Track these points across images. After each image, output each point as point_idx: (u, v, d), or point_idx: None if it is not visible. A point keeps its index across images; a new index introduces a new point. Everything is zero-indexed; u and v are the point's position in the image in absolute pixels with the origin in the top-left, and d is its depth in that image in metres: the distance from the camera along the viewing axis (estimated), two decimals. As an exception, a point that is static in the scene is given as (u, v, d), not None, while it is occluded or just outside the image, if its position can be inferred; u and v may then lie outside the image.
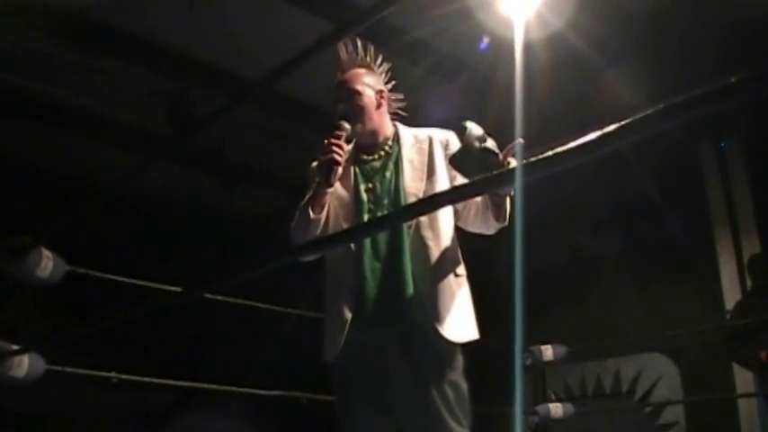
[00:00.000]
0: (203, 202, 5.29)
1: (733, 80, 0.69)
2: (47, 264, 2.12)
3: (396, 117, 1.80)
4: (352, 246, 1.61)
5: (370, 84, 1.72)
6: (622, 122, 0.77)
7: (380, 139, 1.73)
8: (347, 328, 1.58)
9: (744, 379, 3.89)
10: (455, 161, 1.47)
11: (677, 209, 4.46)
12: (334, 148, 1.58)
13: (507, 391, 2.16)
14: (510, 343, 1.98)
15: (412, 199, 1.63)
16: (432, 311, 1.56)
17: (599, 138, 0.79)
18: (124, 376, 2.39)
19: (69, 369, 2.26)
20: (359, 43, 1.75)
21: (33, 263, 2.10)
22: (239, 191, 5.21)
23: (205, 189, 5.15)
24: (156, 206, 5.05)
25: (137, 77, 4.23)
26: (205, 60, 4.18)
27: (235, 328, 4.15)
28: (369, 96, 1.71)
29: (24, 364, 2.05)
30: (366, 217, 1.64)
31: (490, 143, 1.44)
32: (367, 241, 1.61)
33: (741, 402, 3.99)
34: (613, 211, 4.88)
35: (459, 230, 1.73)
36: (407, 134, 1.75)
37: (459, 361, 1.60)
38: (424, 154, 1.70)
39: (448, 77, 4.30)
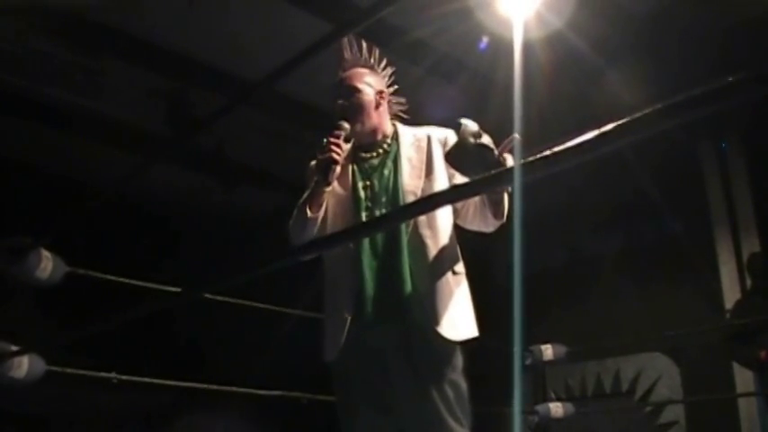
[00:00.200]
0: (203, 202, 5.29)
1: (731, 80, 0.69)
2: (46, 265, 2.12)
3: (396, 119, 1.81)
4: (351, 244, 1.61)
5: (370, 83, 1.73)
6: (620, 122, 0.77)
7: (379, 137, 1.74)
8: (347, 328, 1.58)
9: (744, 378, 3.89)
10: (450, 157, 1.48)
11: (677, 209, 4.46)
12: (333, 147, 1.59)
13: (507, 391, 2.16)
14: (510, 343, 1.98)
15: (410, 197, 1.63)
16: (430, 310, 1.56)
17: (597, 137, 0.79)
18: (124, 377, 2.39)
19: (69, 370, 2.26)
20: (363, 44, 1.76)
21: (33, 264, 2.10)
22: (239, 191, 5.21)
23: (205, 189, 5.16)
24: (156, 207, 5.05)
25: (136, 78, 4.24)
26: (205, 61, 4.18)
27: (235, 328, 4.15)
28: (368, 95, 1.71)
29: (24, 365, 2.05)
30: (364, 215, 1.64)
31: (485, 139, 1.45)
32: (365, 240, 1.62)
33: (741, 402, 3.99)
34: (613, 211, 4.88)
35: (459, 230, 1.73)
36: (406, 133, 1.76)
37: (459, 360, 1.60)
38: (422, 152, 1.70)
39: (447, 77, 4.30)
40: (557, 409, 3.47)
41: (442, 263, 1.62)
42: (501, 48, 3.50)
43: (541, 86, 3.53)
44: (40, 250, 2.12)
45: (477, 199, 1.63)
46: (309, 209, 1.61)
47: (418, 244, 1.60)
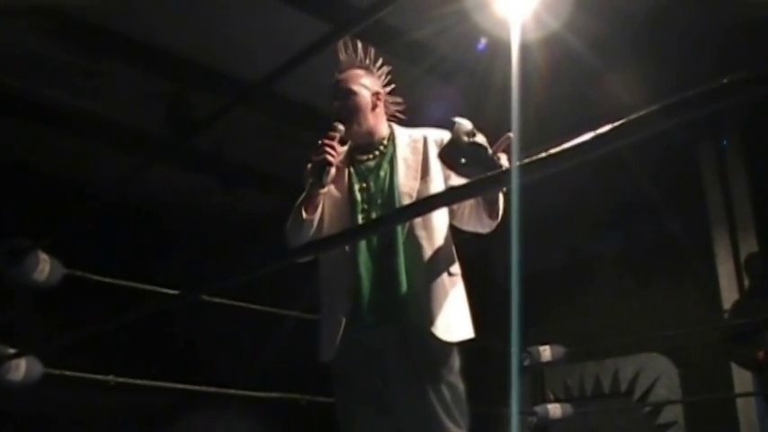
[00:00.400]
0: (202, 203, 5.29)
1: (727, 81, 0.70)
2: (44, 267, 2.12)
3: (393, 119, 1.81)
4: (347, 246, 1.61)
5: (366, 85, 1.73)
6: (616, 123, 0.77)
7: (375, 139, 1.74)
8: (342, 328, 1.58)
9: (742, 378, 3.89)
10: (444, 155, 1.47)
11: (676, 209, 4.47)
12: (327, 149, 1.59)
13: (506, 392, 2.16)
14: (508, 344, 1.98)
15: (406, 198, 1.63)
16: (425, 311, 1.56)
17: (593, 138, 0.79)
18: (122, 379, 2.39)
19: (67, 372, 2.26)
20: (359, 45, 1.76)
21: (31, 266, 2.10)
22: (238, 192, 5.21)
23: (204, 190, 5.15)
24: (154, 208, 5.05)
25: (135, 79, 4.23)
26: (203, 62, 4.18)
27: (234, 329, 4.15)
28: (364, 97, 1.71)
29: (22, 368, 2.05)
30: (360, 217, 1.64)
31: (479, 138, 1.44)
32: (361, 242, 1.61)
33: (740, 402, 3.99)
34: (612, 212, 4.89)
35: (458, 232, 1.73)
36: (403, 134, 1.76)
37: (456, 361, 1.60)
38: (418, 153, 1.70)
39: (445, 78, 4.30)
40: (555, 409, 3.47)
41: (438, 264, 1.62)
42: (499, 49, 3.50)
43: (539, 87, 3.53)
44: (38, 252, 2.12)
45: (472, 199, 1.63)
46: (305, 210, 1.61)
47: (414, 245, 1.60)
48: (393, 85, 1.81)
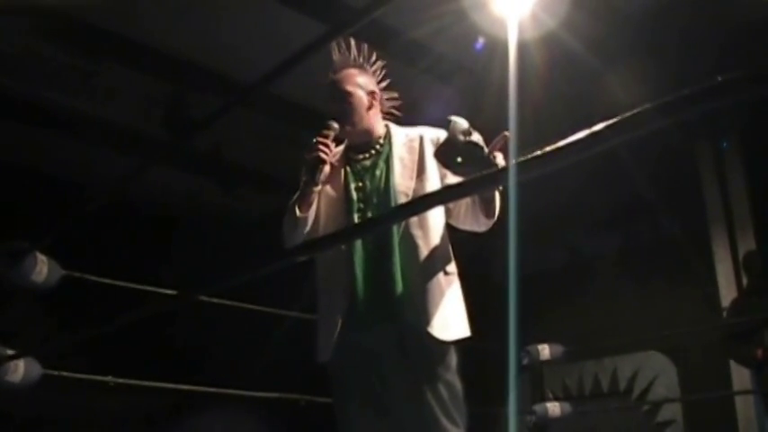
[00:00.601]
0: (201, 204, 5.28)
1: (722, 79, 0.70)
2: (42, 268, 2.12)
3: (389, 116, 1.80)
4: (342, 246, 1.61)
5: (361, 84, 1.73)
6: (611, 121, 0.77)
7: (371, 138, 1.74)
8: (339, 328, 1.58)
9: (741, 376, 3.90)
10: (440, 154, 1.48)
11: (674, 208, 4.48)
12: (321, 147, 1.59)
13: (505, 392, 2.16)
14: (507, 343, 1.98)
15: (402, 197, 1.63)
16: (421, 310, 1.56)
17: (589, 137, 0.79)
18: (121, 380, 2.38)
19: (66, 373, 2.26)
20: (352, 43, 1.76)
21: (29, 268, 2.10)
22: (237, 193, 5.21)
23: (203, 191, 5.15)
24: (153, 209, 5.04)
25: (133, 80, 4.23)
26: (202, 63, 4.18)
27: (232, 330, 4.14)
28: (360, 97, 1.71)
29: (20, 369, 2.05)
30: (356, 216, 1.65)
31: (475, 137, 1.44)
32: (357, 241, 1.61)
33: (738, 400, 3.99)
34: (611, 211, 4.89)
35: (455, 231, 1.73)
36: (399, 133, 1.76)
37: (453, 360, 1.60)
38: (414, 152, 1.70)
39: (443, 78, 4.30)
40: (554, 408, 3.47)
41: (434, 263, 1.61)
42: (496, 48, 3.51)
43: (537, 87, 3.54)
44: (36, 254, 2.12)
45: (468, 198, 1.63)
46: (299, 208, 1.61)
47: (410, 244, 1.60)
48: (388, 81, 1.80)
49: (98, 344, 2.70)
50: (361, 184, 1.68)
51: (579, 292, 4.94)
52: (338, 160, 1.70)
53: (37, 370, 2.11)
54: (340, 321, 1.58)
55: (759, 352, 3.27)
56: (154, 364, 3.08)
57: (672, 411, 4.43)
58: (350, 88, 1.71)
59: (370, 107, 1.73)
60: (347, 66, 1.75)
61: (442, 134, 1.73)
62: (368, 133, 1.73)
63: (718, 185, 4.43)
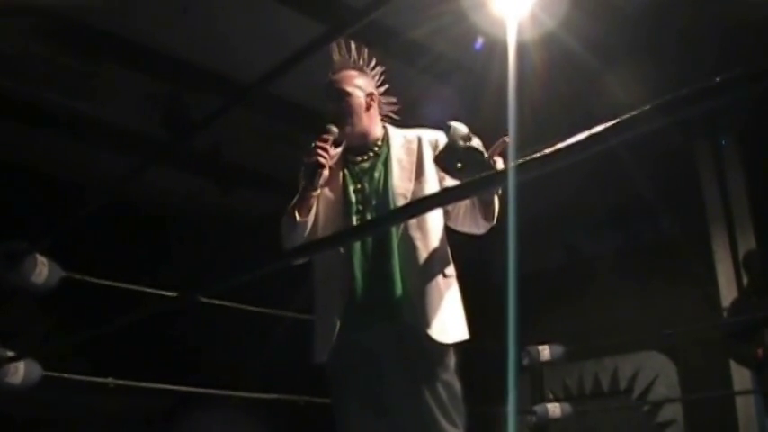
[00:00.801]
0: (200, 205, 5.28)
1: (720, 79, 0.70)
2: (42, 270, 2.12)
3: (387, 120, 1.80)
4: (341, 248, 1.61)
5: (360, 86, 1.73)
6: (610, 123, 0.77)
7: (370, 140, 1.73)
8: (337, 330, 1.58)
9: (741, 376, 3.89)
10: (440, 160, 1.48)
11: (673, 207, 4.48)
12: (320, 152, 1.59)
13: (506, 392, 2.16)
14: (506, 343, 1.98)
15: (400, 199, 1.63)
16: (420, 312, 1.56)
17: (587, 138, 0.79)
18: (121, 381, 2.38)
19: (66, 375, 2.26)
20: (352, 45, 1.76)
21: (28, 269, 2.10)
22: (236, 193, 5.20)
23: (202, 192, 5.15)
24: (152, 210, 5.04)
25: (132, 81, 4.23)
26: (200, 63, 4.18)
27: (232, 330, 4.15)
28: (358, 98, 1.71)
29: (20, 371, 2.05)
30: (355, 218, 1.64)
31: (475, 142, 1.44)
32: (356, 243, 1.61)
33: (738, 400, 3.99)
34: (610, 211, 4.89)
35: (454, 232, 1.73)
36: (397, 135, 1.76)
37: (452, 360, 1.60)
38: (412, 154, 1.70)
39: (442, 78, 4.30)
40: (554, 409, 3.48)
41: (433, 265, 1.61)
42: (495, 48, 3.51)
43: (536, 87, 3.54)
44: (36, 255, 2.12)
45: (467, 201, 1.63)
46: (298, 213, 1.61)
47: (408, 246, 1.60)
48: (386, 86, 1.80)
49: (97, 345, 2.70)
50: (359, 187, 1.68)
51: (578, 291, 4.94)
52: (336, 162, 1.70)
53: (37, 371, 2.11)
54: (338, 322, 1.58)
55: (759, 351, 3.27)
56: (153, 365, 3.08)
57: (672, 411, 4.43)
58: (348, 88, 1.71)
59: (368, 108, 1.73)
60: (346, 67, 1.75)
61: (440, 135, 1.73)
62: (366, 135, 1.73)
63: (717, 185, 4.43)
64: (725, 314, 3.90)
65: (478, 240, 1.72)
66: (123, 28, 3.85)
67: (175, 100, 4.37)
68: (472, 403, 1.64)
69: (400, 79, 1.87)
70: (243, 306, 2.80)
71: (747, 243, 4.19)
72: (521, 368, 3.43)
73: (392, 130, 1.77)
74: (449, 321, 1.60)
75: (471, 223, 1.65)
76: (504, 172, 1.04)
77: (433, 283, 1.60)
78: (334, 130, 1.64)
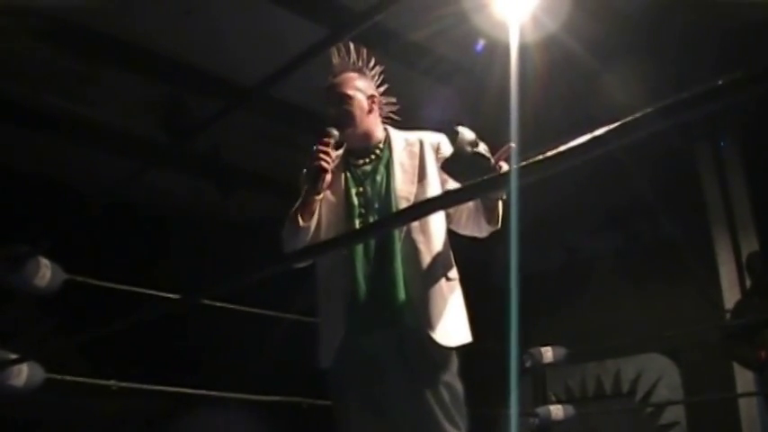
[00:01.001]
0: (201, 207, 5.29)
1: (722, 82, 0.70)
2: (44, 272, 2.12)
3: (388, 121, 1.80)
4: (344, 251, 1.61)
5: (361, 88, 1.72)
6: (613, 125, 0.77)
7: (371, 143, 1.73)
8: (341, 336, 1.58)
9: (744, 378, 3.88)
10: (447, 166, 1.48)
11: (675, 209, 4.47)
12: (322, 155, 1.58)
13: (508, 394, 2.16)
14: (508, 345, 1.98)
15: (403, 202, 1.63)
16: (423, 316, 1.56)
17: (590, 140, 0.79)
18: (123, 383, 2.38)
19: (69, 377, 2.26)
20: (352, 47, 1.75)
21: (31, 272, 2.10)
22: (237, 195, 5.21)
23: (202, 194, 5.15)
24: (153, 212, 5.05)
25: (133, 83, 4.24)
26: (200, 66, 4.19)
27: (234, 332, 4.15)
28: (360, 101, 1.70)
29: (23, 373, 2.05)
30: (357, 221, 1.64)
31: (482, 148, 1.45)
32: (359, 246, 1.61)
33: (742, 402, 3.98)
34: (611, 212, 4.89)
35: (456, 235, 1.73)
36: (398, 137, 1.75)
37: (454, 363, 1.60)
38: (414, 157, 1.70)
39: (443, 80, 4.31)
40: (557, 411, 3.47)
41: (436, 269, 1.61)
42: (497, 50, 3.51)
43: (537, 89, 3.54)
44: (39, 258, 2.12)
45: (471, 204, 1.63)
46: (301, 218, 1.60)
47: (411, 250, 1.60)
48: (386, 86, 1.80)
49: (99, 347, 2.70)
50: (361, 190, 1.67)
51: (579, 293, 4.94)
52: (337, 165, 1.69)
53: (40, 374, 2.11)
54: (341, 326, 1.58)
55: (762, 353, 3.26)
56: (154, 367, 3.09)
57: (675, 413, 4.42)
58: (350, 91, 1.70)
59: (369, 111, 1.72)
60: (346, 69, 1.74)
61: (441, 138, 1.73)
62: (367, 137, 1.73)
63: (719, 186, 4.42)
64: (727, 316, 3.89)
65: (478, 241, 1.72)
66: (124, 30, 3.86)
67: (176, 102, 4.38)
68: (474, 405, 1.64)
69: (401, 81, 1.87)
70: (244, 308, 2.80)
71: (750, 244, 4.19)
72: (523, 370, 3.43)
73: (393, 133, 1.77)
74: (452, 325, 1.59)
75: (474, 226, 1.65)
76: (506, 174, 1.04)
77: (437, 286, 1.60)
78: (336, 133, 1.64)
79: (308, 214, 1.61)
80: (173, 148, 3.63)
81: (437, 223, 1.66)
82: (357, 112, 1.69)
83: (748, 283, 3.90)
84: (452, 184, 1.55)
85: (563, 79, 3.94)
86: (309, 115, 4.09)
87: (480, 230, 1.64)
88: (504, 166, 1.46)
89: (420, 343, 1.56)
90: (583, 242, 5.09)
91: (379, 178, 1.68)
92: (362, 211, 1.64)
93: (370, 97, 1.73)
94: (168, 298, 2.45)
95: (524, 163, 0.87)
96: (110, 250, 4.34)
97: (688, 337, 4.14)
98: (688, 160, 4.53)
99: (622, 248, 4.89)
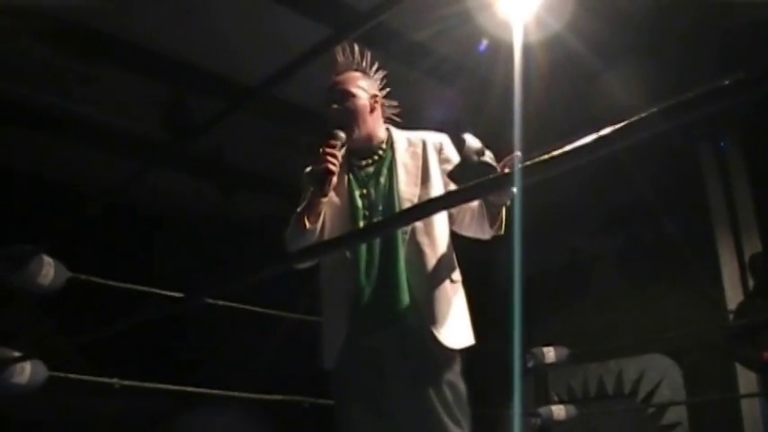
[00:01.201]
0: (202, 207, 5.29)
1: (727, 82, 0.70)
2: (48, 271, 2.13)
3: (390, 122, 1.80)
4: (348, 253, 1.60)
5: (364, 87, 1.72)
6: (618, 125, 0.77)
7: (374, 143, 1.72)
8: (344, 337, 1.58)
9: (747, 379, 3.88)
10: (454, 175, 1.48)
11: (677, 209, 4.47)
12: (329, 158, 1.57)
13: (510, 394, 2.16)
14: (511, 345, 1.98)
15: (407, 204, 1.62)
16: (428, 318, 1.56)
17: (595, 141, 0.79)
18: (126, 382, 2.39)
19: (72, 375, 2.26)
20: (355, 47, 1.75)
21: (34, 270, 2.11)
22: (238, 196, 5.21)
23: (204, 194, 5.16)
24: (153, 212, 5.05)
25: (133, 84, 4.24)
26: (202, 66, 4.19)
27: (236, 331, 4.15)
28: (362, 100, 1.70)
29: (26, 371, 2.05)
30: (361, 223, 1.63)
31: (488, 156, 1.45)
32: (362, 248, 1.60)
33: (744, 403, 3.98)
34: (614, 213, 4.89)
35: (458, 235, 1.73)
36: (400, 138, 1.74)
37: (458, 363, 1.60)
38: (417, 158, 1.69)
39: (446, 80, 4.30)
40: (559, 411, 3.47)
41: (440, 271, 1.61)
42: (500, 50, 3.51)
43: (540, 89, 3.54)
44: (42, 257, 2.13)
45: (474, 207, 1.63)
46: (307, 220, 1.59)
47: (416, 252, 1.60)
48: (389, 89, 1.79)
49: (100, 345, 2.70)
50: (365, 191, 1.67)
51: (581, 293, 4.94)
52: (340, 166, 1.69)
53: (43, 372, 2.12)
54: (344, 327, 1.58)
55: (765, 354, 3.26)
56: (156, 366, 3.09)
57: (677, 414, 4.42)
58: (353, 90, 1.69)
59: (372, 111, 1.72)
60: (349, 69, 1.73)
61: (444, 138, 1.73)
62: (370, 138, 1.72)
63: (721, 186, 4.41)
64: (730, 317, 3.88)
65: (480, 242, 1.72)
66: (124, 30, 3.86)
67: (177, 102, 4.38)
68: (476, 405, 1.64)
69: (404, 81, 1.87)
70: (248, 307, 2.80)
71: (753, 245, 4.18)
72: (525, 370, 3.43)
73: (395, 133, 1.76)
74: (456, 327, 1.59)
75: (477, 228, 1.64)
76: (509, 175, 1.04)
77: (441, 288, 1.59)
78: (342, 135, 1.62)
79: (313, 216, 1.60)
80: (174, 149, 3.63)
81: (441, 225, 1.66)
82: (360, 111, 1.68)
83: (751, 283, 3.89)
84: (455, 187, 1.55)
85: (566, 79, 3.93)
86: (312, 115, 4.09)
87: (483, 233, 1.64)
88: None
89: (423, 342, 1.56)
90: (585, 242, 5.09)
91: (382, 180, 1.67)
92: (366, 213, 1.64)
93: (373, 97, 1.73)
94: (171, 297, 2.45)
95: (529, 163, 0.87)
96: (110, 250, 4.34)
97: (690, 337, 4.13)
98: (690, 160, 4.52)
99: (624, 249, 4.89)
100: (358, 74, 1.73)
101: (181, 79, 4.25)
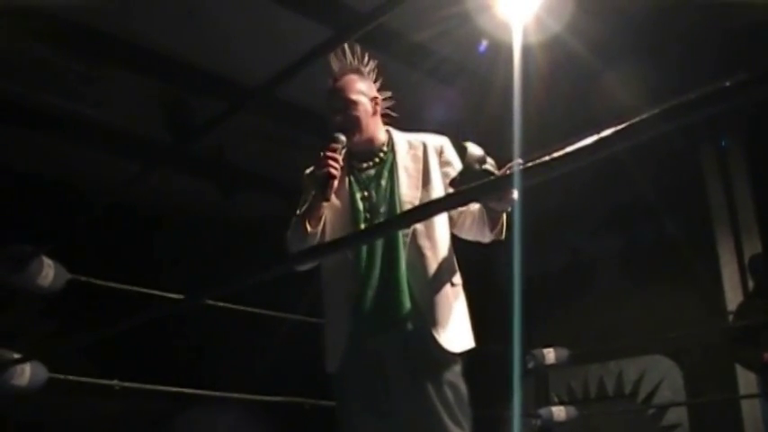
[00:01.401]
0: (203, 207, 5.29)
1: (729, 83, 0.70)
2: (48, 272, 2.13)
3: (386, 118, 1.79)
4: (349, 256, 1.60)
5: (364, 91, 1.71)
6: (619, 127, 0.77)
7: (374, 146, 1.72)
8: (346, 340, 1.58)
9: (747, 380, 3.88)
10: (456, 183, 1.48)
11: (678, 210, 4.46)
12: (331, 162, 1.56)
13: (511, 395, 2.16)
14: (511, 346, 1.98)
15: (408, 207, 1.62)
16: (429, 322, 1.56)
17: (596, 142, 0.79)
18: (126, 383, 2.39)
19: (72, 377, 2.26)
20: (346, 47, 1.73)
21: (34, 272, 2.11)
22: (239, 196, 5.21)
23: (204, 194, 5.16)
24: (154, 212, 5.05)
25: (134, 84, 4.24)
26: (203, 66, 4.19)
27: (237, 332, 4.15)
28: (364, 104, 1.69)
29: (26, 373, 2.05)
30: (363, 226, 1.63)
31: (490, 164, 1.45)
32: (364, 251, 1.60)
33: (744, 403, 3.98)
34: (614, 214, 4.88)
35: (458, 237, 1.73)
36: (401, 140, 1.74)
37: (458, 364, 1.60)
38: (418, 161, 1.69)
39: (446, 81, 4.30)
40: (559, 412, 3.47)
41: (441, 275, 1.61)
42: (500, 51, 3.51)
43: (540, 89, 3.54)
44: (42, 258, 2.13)
45: (474, 211, 1.63)
46: (309, 223, 1.59)
47: (417, 255, 1.60)
48: (388, 90, 1.78)
49: (101, 347, 2.70)
50: (366, 194, 1.66)
51: (581, 294, 4.93)
52: (341, 168, 1.69)
53: (43, 373, 2.12)
54: (346, 330, 1.58)
55: (765, 355, 3.26)
56: (157, 367, 3.09)
57: (677, 415, 4.41)
58: (354, 96, 1.68)
59: (374, 114, 1.72)
60: (346, 72, 1.72)
61: (444, 141, 1.73)
62: (371, 141, 1.71)
63: (722, 187, 4.41)
64: (730, 318, 3.88)
65: (481, 243, 1.73)
66: (125, 30, 3.86)
67: (178, 103, 4.38)
68: (476, 406, 1.64)
69: (404, 82, 1.87)
70: (248, 308, 2.80)
71: (753, 246, 4.18)
72: (525, 371, 3.43)
73: (396, 135, 1.76)
74: (457, 330, 1.60)
75: (478, 232, 1.65)
76: (510, 177, 1.04)
77: (442, 292, 1.60)
78: (343, 139, 1.62)
79: (315, 220, 1.60)
80: (175, 149, 3.63)
81: (442, 228, 1.66)
82: (363, 117, 1.68)
83: (751, 284, 3.89)
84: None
85: (566, 79, 3.94)
86: (313, 116, 4.08)
87: (483, 236, 1.64)
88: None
89: (424, 345, 1.56)
90: (585, 243, 5.09)
91: (383, 183, 1.67)
92: (368, 216, 1.64)
93: (373, 99, 1.73)
94: (172, 298, 2.45)
95: (530, 164, 0.86)
96: (110, 250, 4.34)
97: (691, 338, 4.13)
98: (691, 161, 4.52)
99: (625, 249, 4.88)
100: (355, 76, 1.72)
101: (181, 79, 4.25)
